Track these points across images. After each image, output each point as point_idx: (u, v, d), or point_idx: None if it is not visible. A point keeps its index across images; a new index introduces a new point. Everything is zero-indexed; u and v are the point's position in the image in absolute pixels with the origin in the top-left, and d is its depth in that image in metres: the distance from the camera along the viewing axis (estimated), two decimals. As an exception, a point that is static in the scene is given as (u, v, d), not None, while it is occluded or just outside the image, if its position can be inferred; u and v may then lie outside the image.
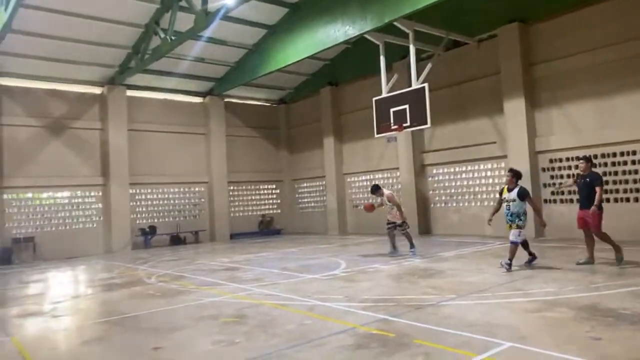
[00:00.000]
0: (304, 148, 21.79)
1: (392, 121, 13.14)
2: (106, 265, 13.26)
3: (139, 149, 18.25)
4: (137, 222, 18.24)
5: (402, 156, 16.79)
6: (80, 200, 17.23)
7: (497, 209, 8.62)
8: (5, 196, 15.65)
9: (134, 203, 18.21)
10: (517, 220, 8.11)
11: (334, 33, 13.80)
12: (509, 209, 8.16)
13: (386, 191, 11.44)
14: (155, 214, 18.84)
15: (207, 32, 14.50)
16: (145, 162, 18.42)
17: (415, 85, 12.86)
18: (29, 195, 16.33)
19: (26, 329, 6.40)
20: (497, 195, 8.85)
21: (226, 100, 20.72)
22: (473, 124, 15.01)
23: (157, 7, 14.34)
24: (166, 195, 19.24)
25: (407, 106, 12.71)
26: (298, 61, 15.55)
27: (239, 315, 6.11)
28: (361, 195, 19.19)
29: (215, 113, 20.26)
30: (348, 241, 15.98)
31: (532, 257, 8.46)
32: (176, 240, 18.86)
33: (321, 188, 20.81)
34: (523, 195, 8.14)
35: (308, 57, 15.44)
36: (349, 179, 19.72)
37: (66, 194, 16.97)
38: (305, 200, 22.01)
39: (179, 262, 12.66)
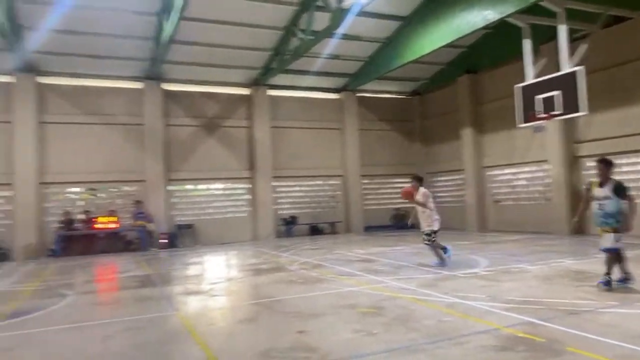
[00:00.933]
0: (439, 140, 21.15)
1: (539, 109, 12.08)
2: (254, 251, 14.42)
3: (281, 144, 19.49)
4: (280, 212, 19.53)
5: (551, 147, 15.38)
6: (231, 191, 19.08)
7: (585, 208, 7.12)
8: (170, 188, 17.90)
9: (277, 195, 19.51)
10: (612, 222, 6.56)
11: (472, 19, 13.13)
12: (602, 209, 6.61)
13: (423, 189, 9.66)
14: (295, 205, 19.97)
15: (342, 29, 14.81)
16: (286, 156, 19.60)
17: (566, 68, 11.66)
18: (189, 186, 18.49)
19: (188, 305, 7.25)
20: (585, 192, 7.22)
21: (359, 95, 21.03)
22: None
23: (295, 9, 15.06)
24: (305, 188, 20.27)
25: (557, 92, 11.55)
26: (433, 51, 15.15)
27: (376, 307, 6.20)
28: (504, 190, 18.07)
29: (350, 108, 20.71)
30: (488, 238, 15.17)
31: (626, 276, 6.78)
32: (315, 230, 19.76)
33: (459, 182, 20.02)
34: (620, 191, 6.52)
35: (444, 46, 14.94)
36: (489, 173, 18.66)
37: (219, 185, 18.91)
38: (441, 194, 21.36)
39: (318, 252, 13.24)
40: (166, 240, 16.71)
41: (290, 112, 19.92)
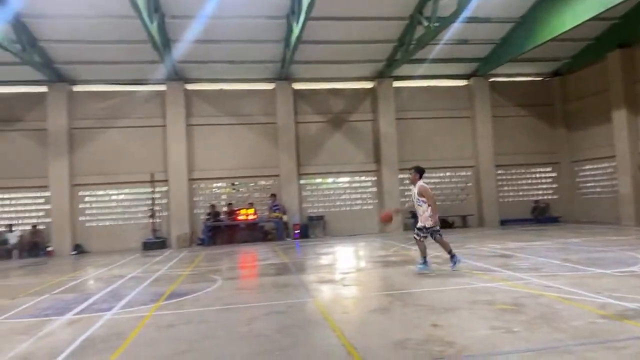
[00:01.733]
0: (585, 124, 19.09)
1: None
2: (382, 243, 14.48)
3: (406, 136, 19.28)
4: (407, 205, 19.30)
5: None
6: (357, 184, 19.45)
7: None
8: (302, 181, 18.78)
9: (404, 187, 19.31)
10: None
11: (626, -16, 11.60)
12: None
13: (421, 182, 8.72)
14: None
15: (469, 12, 14.07)
16: (412, 148, 19.33)
17: None
18: (318, 180, 19.22)
19: (323, 293, 7.54)
20: None
21: (491, 80, 19.85)
22: None
23: (420, -3, 14.72)
24: (434, 180, 19.75)
25: None
26: (577, 25, 13.71)
27: (516, 304, 5.85)
28: (666, 177, 15.75)
29: (480, 94, 19.67)
30: (648, 232, 13.36)
31: None
32: (444, 223, 19.12)
33: (610, 170, 17.90)
34: None
35: (589, 19, 13.42)
36: (649, 158, 16.39)
37: (346, 178, 19.37)
38: (589, 184, 19.31)
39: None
40: (299, 231, 17.60)
41: (415, 103, 19.59)
